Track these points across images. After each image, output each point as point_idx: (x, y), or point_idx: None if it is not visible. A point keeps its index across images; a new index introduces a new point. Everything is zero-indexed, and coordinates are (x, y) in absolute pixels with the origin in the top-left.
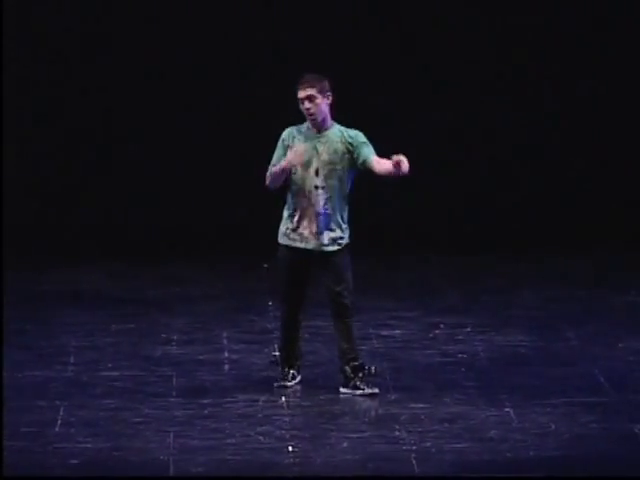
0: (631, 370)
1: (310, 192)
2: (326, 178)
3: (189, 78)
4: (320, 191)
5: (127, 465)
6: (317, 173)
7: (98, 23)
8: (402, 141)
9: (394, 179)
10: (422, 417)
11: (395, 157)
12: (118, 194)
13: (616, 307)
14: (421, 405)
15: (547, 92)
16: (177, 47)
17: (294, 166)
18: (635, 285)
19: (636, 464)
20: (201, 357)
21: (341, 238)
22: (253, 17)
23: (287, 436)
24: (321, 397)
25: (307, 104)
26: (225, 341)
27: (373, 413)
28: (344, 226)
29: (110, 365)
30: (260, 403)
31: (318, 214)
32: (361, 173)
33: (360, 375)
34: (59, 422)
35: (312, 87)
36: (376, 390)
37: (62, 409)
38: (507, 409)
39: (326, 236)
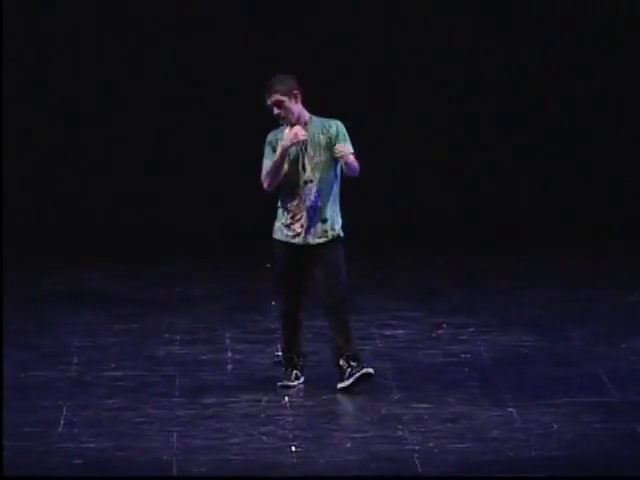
0: (634, 370)
1: (300, 187)
2: (314, 172)
3: (192, 78)
4: (310, 185)
5: (130, 465)
6: (304, 168)
7: (97, 23)
8: (404, 140)
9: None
10: (425, 417)
11: (337, 155)
12: (121, 194)
13: (619, 307)
14: (424, 405)
15: (549, 92)
16: (177, 47)
17: (295, 143)
18: (638, 285)
19: (639, 464)
20: (204, 357)
21: (333, 229)
22: (253, 17)
23: (290, 436)
24: (324, 397)
25: (276, 110)
26: (228, 341)
27: (376, 413)
28: (337, 217)
29: (113, 365)
30: (263, 403)
31: (310, 208)
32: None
33: (353, 363)
34: (62, 422)
35: (276, 92)
36: (371, 370)
37: (65, 409)
38: (510, 409)
39: (319, 228)
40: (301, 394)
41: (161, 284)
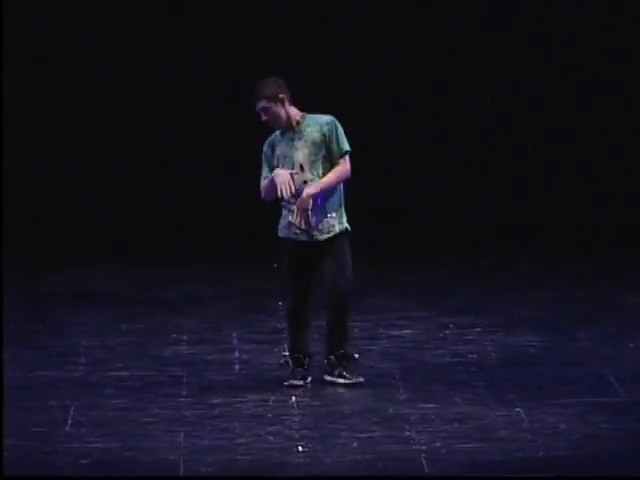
0: None
1: (301, 187)
2: (312, 170)
3: (193, 78)
4: (310, 183)
5: (137, 465)
6: (302, 168)
7: (96, 23)
8: (415, 138)
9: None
10: (432, 417)
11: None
12: (129, 194)
13: (627, 307)
14: (431, 405)
15: (549, 92)
16: (177, 46)
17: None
18: None
19: None
20: (211, 357)
21: (340, 223)
22: (254, 17)
23: (297, 436)
24: (331, 397)
25: (263, 116)
26: (235, 341)
27: (383, 413)
28: (340, 211)
29: (120, 365)
30: (270, 403)
31: (313, 205)
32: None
33: (344, 363)
34: (69, 422)
35: (261, 99)
36: (361, 379)
37: (72, 409)
38: (517, 409)
39: (325, 224)
40: (308, 394)
41: (168, 284)
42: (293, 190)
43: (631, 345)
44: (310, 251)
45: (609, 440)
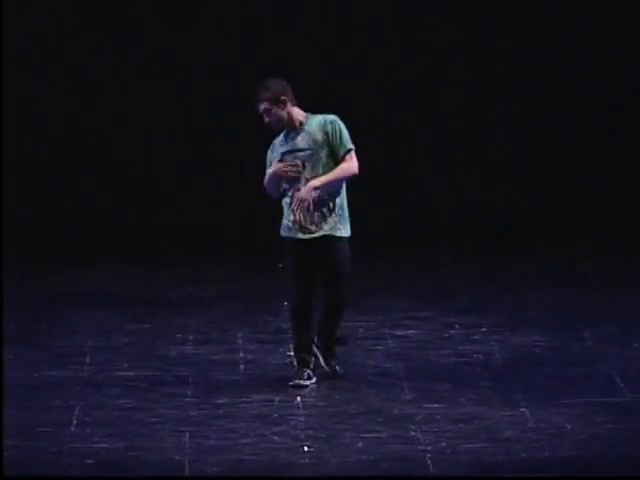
0: None
1: (303, 186)
2: (313, 169)
3: (195, 77)
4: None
5: (142, 465)
6: (305, 167)
7: (95, 23)
8: (415, 138)
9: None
10: (437, 417)
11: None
12: (133, 194)
13: (631, 307)
14: (436, 405)
15: (549, 92)
16: (177, 46)
17: (282, 175)
18: None
19: None
20: (216, 357)
21: (341, 223)
22: (256, 17)
23: (302, 436)
24: (336, 397)
25: (265, 118)
26: (240, 341)
27: (388, 413)
28: (342, 212)
29: (126, 365)
30: (275, 403)
31: (314, 204)
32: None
33: (317, 361)
34: (75, 422)
35: (263, 101)
36: (308, 383)
37: (78, 409)
38: (522, 409)
39: (325, 224)
40: (313, 394)
41: (173, 284)
42: (294, 167)
43: (636, 345)
44: (311, 250)
45: (614, 440)
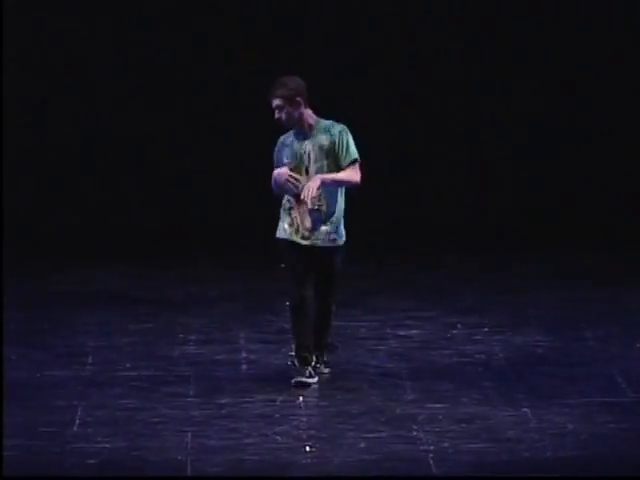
0: None
1: (303, 190)
2: (315, 175)
3: (196, 77)
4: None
5: (145, 465)
6: (307, 171)
7: (95, 24)
8: (416, 138)
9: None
10: (439, 417)
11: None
12: (134, 194)
13: (633, 307)
14: (438, 405)
15: (549, 93)
16: (177, 46)
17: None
18: None
19: None
20: (218, 357)
21: (337, 233)
22: (257, 17)
23: (304, 436)
24: (338, 397)
25: (277, 114)
26: (242, 341)
27: (390, 413)
28: (339, 222)
29: (128, 365)
30: (277, 403)
31: (312, 210)
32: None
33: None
34: (77, 422)
35: (278, 97)
36: (304, 380)
37: (80, 409)
38: (524, 409)
39: (321, 231)
40: (315, 394)
41: (175, 284)
42: (298, 181)
43: (638, 345)
44: (307, 254)
45: (616, 440)
